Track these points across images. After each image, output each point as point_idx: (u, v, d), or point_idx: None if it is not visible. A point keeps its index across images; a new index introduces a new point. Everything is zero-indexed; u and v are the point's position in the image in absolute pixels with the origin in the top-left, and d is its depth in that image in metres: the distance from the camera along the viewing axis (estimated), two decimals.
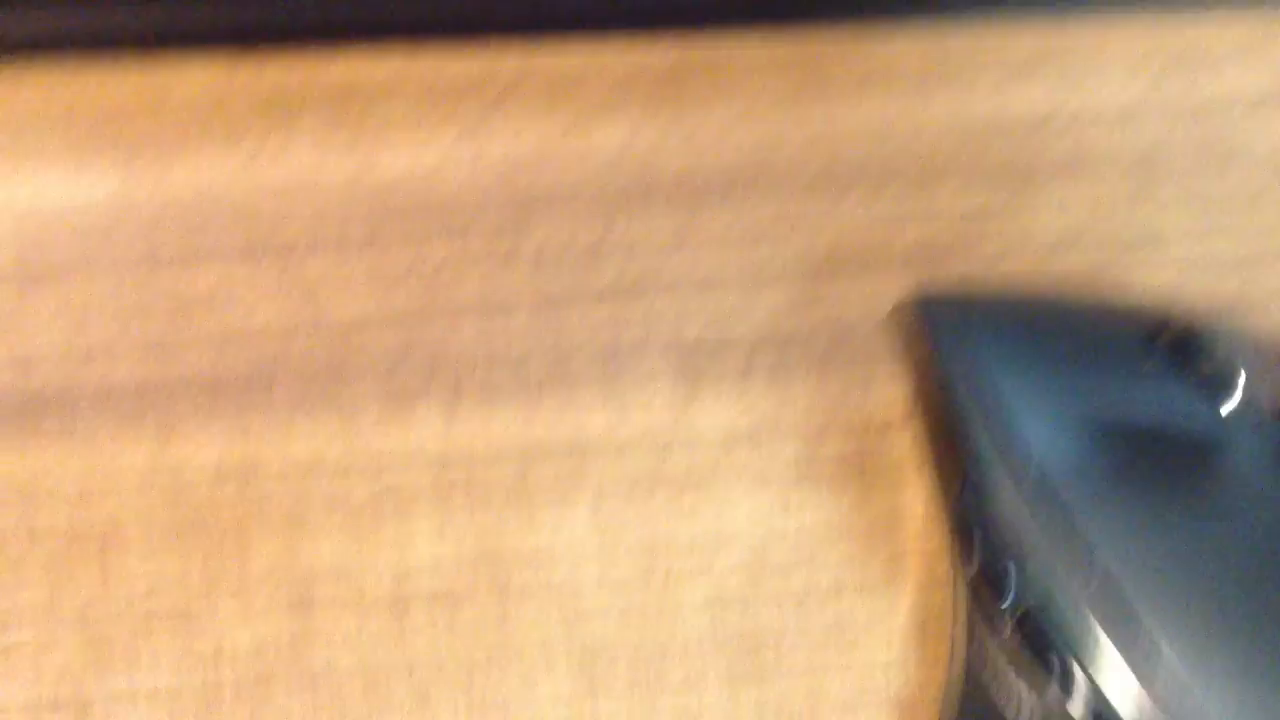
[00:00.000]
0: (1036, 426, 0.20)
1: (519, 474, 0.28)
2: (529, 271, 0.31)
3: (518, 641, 0.26)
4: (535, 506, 0.28)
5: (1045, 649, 0.19)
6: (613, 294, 0.31)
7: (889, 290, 0.30)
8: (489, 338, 0.30)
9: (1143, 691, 0.18)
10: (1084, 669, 0.18)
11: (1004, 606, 0.19)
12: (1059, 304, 0.24)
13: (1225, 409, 0.20)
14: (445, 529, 0.28)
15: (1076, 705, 0.19)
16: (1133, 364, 0.21)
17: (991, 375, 0.21)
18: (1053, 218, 0.31)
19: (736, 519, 0.28)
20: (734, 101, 0.32)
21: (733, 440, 0.28)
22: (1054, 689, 0.19)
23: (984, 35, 0.32)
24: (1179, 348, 0.21)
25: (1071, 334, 0.22)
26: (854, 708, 0.26)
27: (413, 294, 0.31)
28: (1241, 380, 0.21)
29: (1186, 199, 0.31)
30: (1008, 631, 0.19)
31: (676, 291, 0.30)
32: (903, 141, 0.32)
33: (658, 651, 0.26)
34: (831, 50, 0.33)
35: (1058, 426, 0.20)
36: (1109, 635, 0.18)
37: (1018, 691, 0.19)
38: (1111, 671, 0.18)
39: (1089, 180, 0.32)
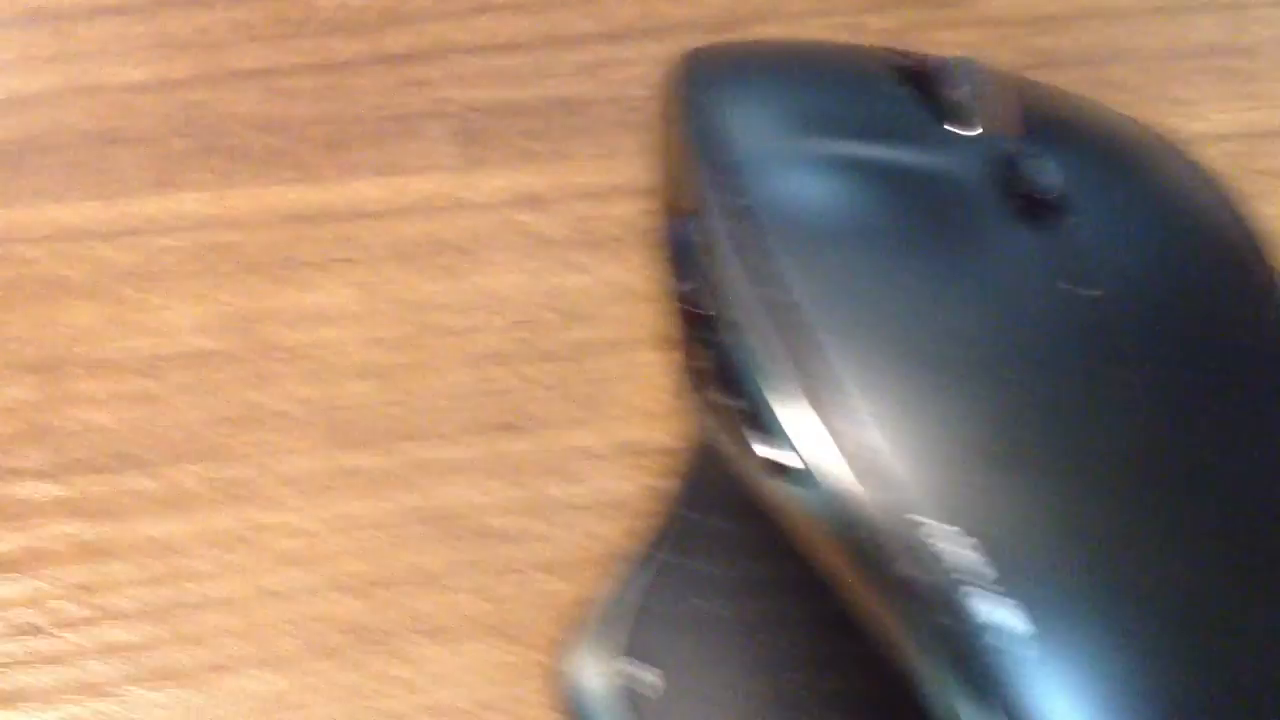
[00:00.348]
0: (767, 166, 0.19)
1: (291, 240, 0.27)
2: (317, 38, 0.29)
3: (275, 402, 0.25)
4: (304, 272, 0.27)
5: (737, 384, 0.18)
6: (405, 59, 0.29)
7: None
8: (269, 104, 0.29)
9: (829, 442, 0.17)
10: (768, 408, 0.17)
11: (708, 339, 0.18)
12: (816, 52, 0.22)
13: (963, 136, 0.19)
14: (212, 293, 0.27)
15: (762, 445, 0.18)
16: (878, 102, 0.20)
17: (731, 119, 0.20)
18: None
19: (513, 280, 0.26)
20: None
21: (515, 203, 0.27)
22: (744, 425, 0.18)
23: None
24: (923, 82, 0.20)
25: (822, 78, 0.21)
26: (605, 457, 0.25)
27: (197, 60, 0.29)
28: (978, 107, 0.19)
29: None
30: (711, 364, 0.18)
31: (468, 57, 0.29)
32: None
33: (416, 408, 0.25)
34: None
35: (790, 166, 0.19)
36: (799, 381, 0.17)
37: (718, 422, 0.18)
38: (798, 419, 0.17)
39: None
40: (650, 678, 0.21)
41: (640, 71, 0.29)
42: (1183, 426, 0.17)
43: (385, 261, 0.27)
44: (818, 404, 0.17)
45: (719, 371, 0.18)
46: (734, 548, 0.21)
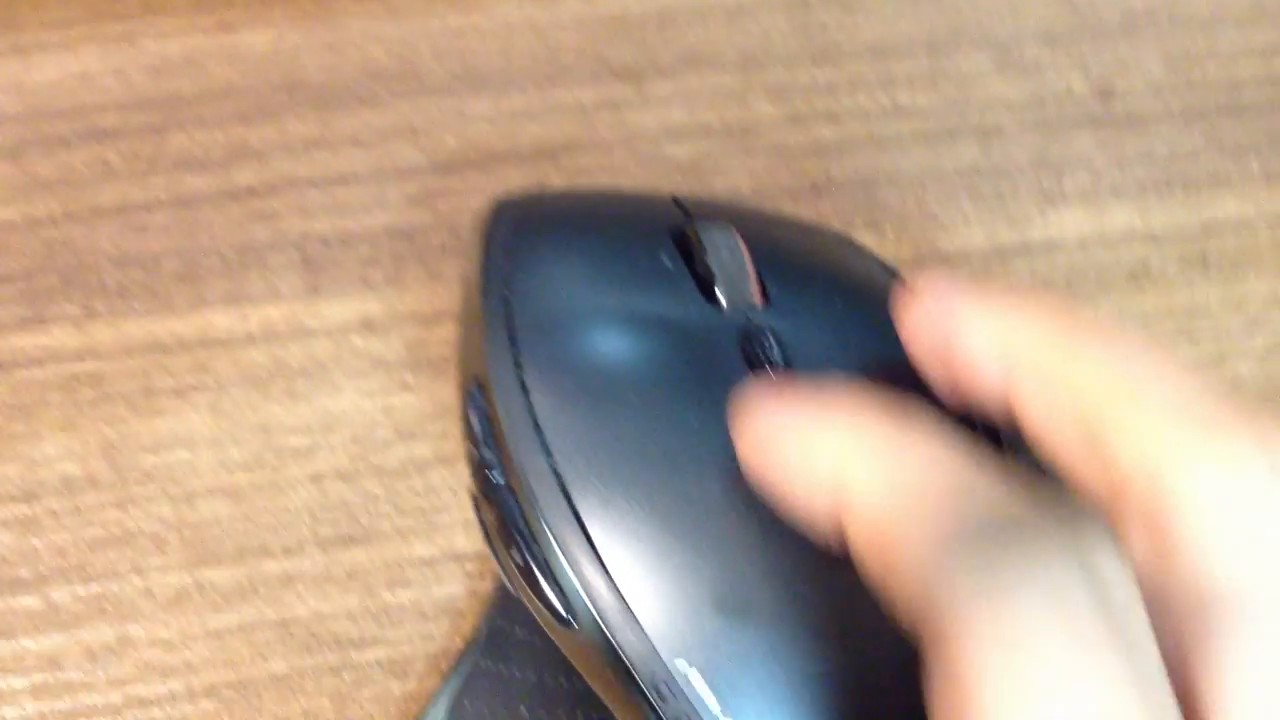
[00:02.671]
0: (546, 340, 0.22)
1: (146, 369, 0.30)
2: (170, 173, 0.32)
3: (134, 522, 0.28)
4: (159, 399, 0.30)
5: (514, 542, 0.21)
6: (248, 194, 0.32)
7: (507, 186, 0.32)
8: (127, 239, 0.32)
9: (584, 598, 0.20)
10: (534, 553, 0.21)
11: (489, 491, 0.22)
12: (605, 213, 0.25)
13: (714, 309, 0.22)
14: (76, 421, 0.29)
15: (534, 595, 0.21)
16: (650, 270, 0.23)
17: (518, 289, 0.23)
18: (663, 112, 0.33)
19: (349, 401, 0.30)
20: (375, 3, 0.34)
21: (351, 329, 0.30)
22: (521, 576, 0.21)
23: None
24: (687, 248, 0.23)
25: (605, 244, 0.24)
26: (435, 563, 0.28)
27: (57, 198, 0.32)
28: (724, 280, 0.23)
29: (788, 89, 0.34)
30: (493, 511, 0.22)
31: (310, 190, 0.32)
32: (531, 42, 0.34)
33: (264, 524, 0.28)
34: None
35: (567, 339, 0.22)
36: (561, 544, 0.21)
37: (502, 563, 0.22)
38: (562, 577, 0.21)
39: (701, 76, 0.34)
40: None
41: (466, 201, 0.32)
42: None
43: (235, 386, 0.30)
44: (579, 562, 0.20)
45: (500, 528, 0.22)
46: (537, 657, 0.25)
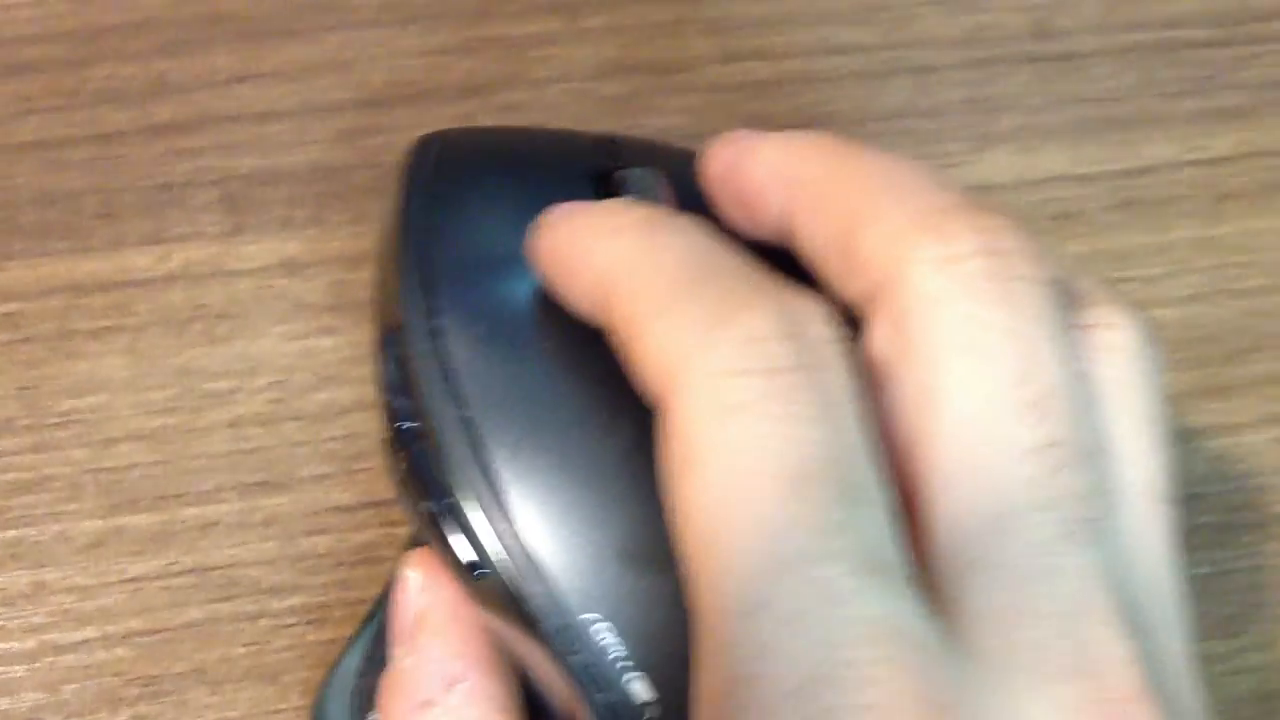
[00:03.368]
0: (462, 284, 0.22)
1: (64, 310, 0.29)
2: (90, 108, 0.32)
3: (51, 467, 0.28)
4: (77, 341, 0.29)
5: (425, 489, 0.21)
6: (169, 129, 0.32)
7: (436, 123, 0.31)
8: (45, 176, 0.31)
9: (497, 546, 0.20)
10: (443, 503, 0.21)
11: (400, 439, 0.21)
12: (530, 151, 0.25)
13: None
14: None
15: (445, 544, 0.21)
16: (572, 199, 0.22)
17: (437, 231, 0.22)
18: (596, 47, 0.32)
19: (270, 345, 0.29)
20: None
21: (273, 270, 0.30)
22: (432, 525, 0.21)
23: None
24: (609, 191, 0.23)
25: (528, 184, 0.23)
26: (353, 510, 0.28)
27: None
28: None
29: (724, 24, 0.33)
30: (404, 460, 0.21)
31: (233, 125, 0.32)
32: None
33: (182, 469, 0.28)
34: None
35: (483, 282, 0.22)
36: (474, 491, 0.20)
37: (412, 512, 0.22)
38: (473, 526, 0.20)
39: (635, 10, 0.33)
40: None
41: (393, 139, 0.31)
42: None
43: (154, 328, 0.29)
44: (488, 513, 0.20)
45: (412, 475, 0.21)
46: None
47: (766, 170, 0.21)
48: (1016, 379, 0.17)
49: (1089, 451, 0.17)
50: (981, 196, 0.18)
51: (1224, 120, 0.30)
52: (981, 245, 0.18)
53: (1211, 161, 0.30)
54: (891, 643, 0.15)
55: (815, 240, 0.20)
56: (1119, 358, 0.19)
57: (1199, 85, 0.31)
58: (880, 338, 0.18)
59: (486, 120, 0.31)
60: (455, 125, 0.29)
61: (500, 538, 0.20)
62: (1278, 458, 0.27)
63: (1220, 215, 0.29)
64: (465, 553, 0.20)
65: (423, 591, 0.22)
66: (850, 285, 0.19)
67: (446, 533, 0.20)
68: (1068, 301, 0.18)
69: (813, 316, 0.17)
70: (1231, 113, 0.30)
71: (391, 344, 0.21)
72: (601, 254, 0.19)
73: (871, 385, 0.18)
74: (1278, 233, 0.29)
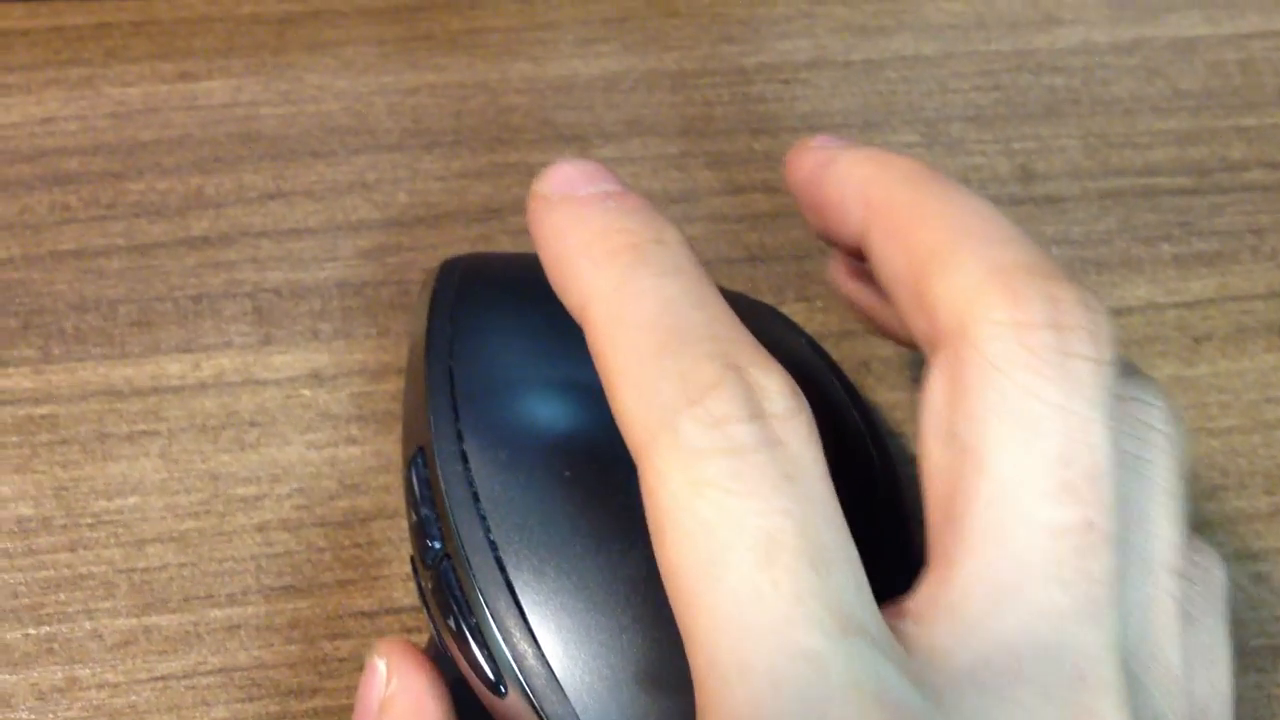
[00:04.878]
0: (486, 409, 0.23)
1: (100, 414, 0.31)
2: (128, 220, 0.33)
3: (85, 566, 0.29)
4: (112, 444, 0.31)
5: (447, 596, 0.22)
6: (203, 242, 0.33)
7: (455, 243, 0.34)
8: (84, 284, 0.33)
9: (513, 667, 0.22)
10: (468, 621, 0.22)
11: (427, 557, 0.23)
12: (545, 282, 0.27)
13: None
14: (31, 464, 0.30)
15: (465, 659, 0.22)
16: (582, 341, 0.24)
17: (461, 357, 0.24)
18: None
19: (296, 453, 0.31)
20: (333, 57, 0.35)
21: (300, 381, 0.32)
22: (454, 640, 0.22)
23: None
24: None
25: (544, 317, 0.25)
26: (374, 616, 0.29)
27: (17, 241, 0.33)
28: None
29: (727, 158, 0.35)
30: (430, 577, 0.23)
31: (264, 240, 0.33)
32: (482, 103, 0.35)
33: (210, 571, 0.29)
34: (429, 5, 0.36)
35: (506, 408, 0.23)
36: (483, 592, 0.22)
37: (437, 626, 0.23)
38: (492, 646, 0.22)
39: (643, 142, 0.35)
40: None
41: (415, 257, 0.33)
42: None
43: (186, 433, 0.31)
44: (513, 633, 0.22)
45: (438, 592, 0.23)
46: (470, 713, 0.26)
47: (847, 186, 0.21)
48: (1061, 458, 0.18)
49: (1117, 536, 0.17)
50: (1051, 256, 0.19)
51: (1200, 264, 0.33)
52: (1049, 317, 0.18)
53: (1189, 304, 0.32)
54: (874, 706, 0.16)
55: (888, 268, 0.20)
56: (1155, 436, 0.19)
57: (1176, 230, 0.33)
58: (938, 385, 0.19)
59: (503, 241, 0.33)
60: (473, 246, 0.32)
61: (525, 658, 0.21)
62: (1255, 594, 0.29)
63: (1197, 356, 0.31)
64: (489, 670, 0.21)
65: (389, 680, 0.22)
66: (917, 322, 0.20)
67: (470, 649, 0.22)
68: (1123, 379, 0.19)
69: (775, 393, 0.18)
70: (1207, 257, 0.32)
71: (419, 464, 0.23)
72: (587, 280, 0.20)
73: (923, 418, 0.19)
74: (1252, 374, 0.31)
